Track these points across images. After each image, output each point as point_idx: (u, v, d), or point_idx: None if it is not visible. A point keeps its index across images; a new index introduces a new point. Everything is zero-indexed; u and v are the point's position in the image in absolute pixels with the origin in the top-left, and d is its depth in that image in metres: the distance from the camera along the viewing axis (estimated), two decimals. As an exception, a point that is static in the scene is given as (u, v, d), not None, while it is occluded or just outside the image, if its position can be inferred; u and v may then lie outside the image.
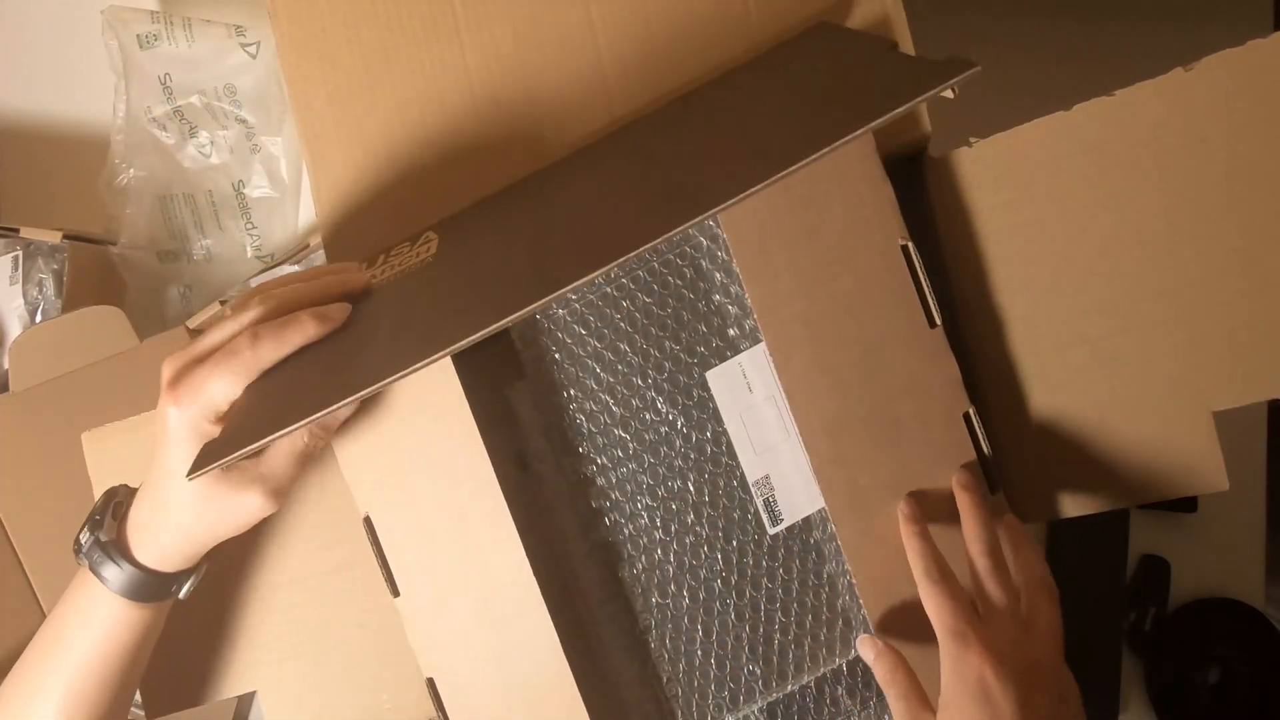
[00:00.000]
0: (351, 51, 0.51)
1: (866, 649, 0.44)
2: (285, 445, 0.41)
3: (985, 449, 0.44)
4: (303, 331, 0.40)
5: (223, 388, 0.40)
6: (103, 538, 0.42)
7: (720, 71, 0.48)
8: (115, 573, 0.42)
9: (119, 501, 0.44)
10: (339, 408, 0.36)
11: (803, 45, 0.46)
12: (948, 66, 0.35)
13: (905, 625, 0.44)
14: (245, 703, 0.81)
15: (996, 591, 0.41)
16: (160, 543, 0.42)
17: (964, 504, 0.43)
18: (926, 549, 0.42)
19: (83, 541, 0.43)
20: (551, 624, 0.43)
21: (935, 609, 0.40)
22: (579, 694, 0.43)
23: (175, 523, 0.42)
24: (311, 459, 0.43)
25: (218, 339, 0.41)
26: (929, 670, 0.42)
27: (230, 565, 0.50)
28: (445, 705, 0.45)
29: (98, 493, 0.51)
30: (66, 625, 0.44)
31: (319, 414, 0.36)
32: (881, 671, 0.42)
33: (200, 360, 0.41)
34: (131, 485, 0.45)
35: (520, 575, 0.43)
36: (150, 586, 0.42)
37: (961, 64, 0.35)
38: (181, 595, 0.44)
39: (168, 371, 0.41)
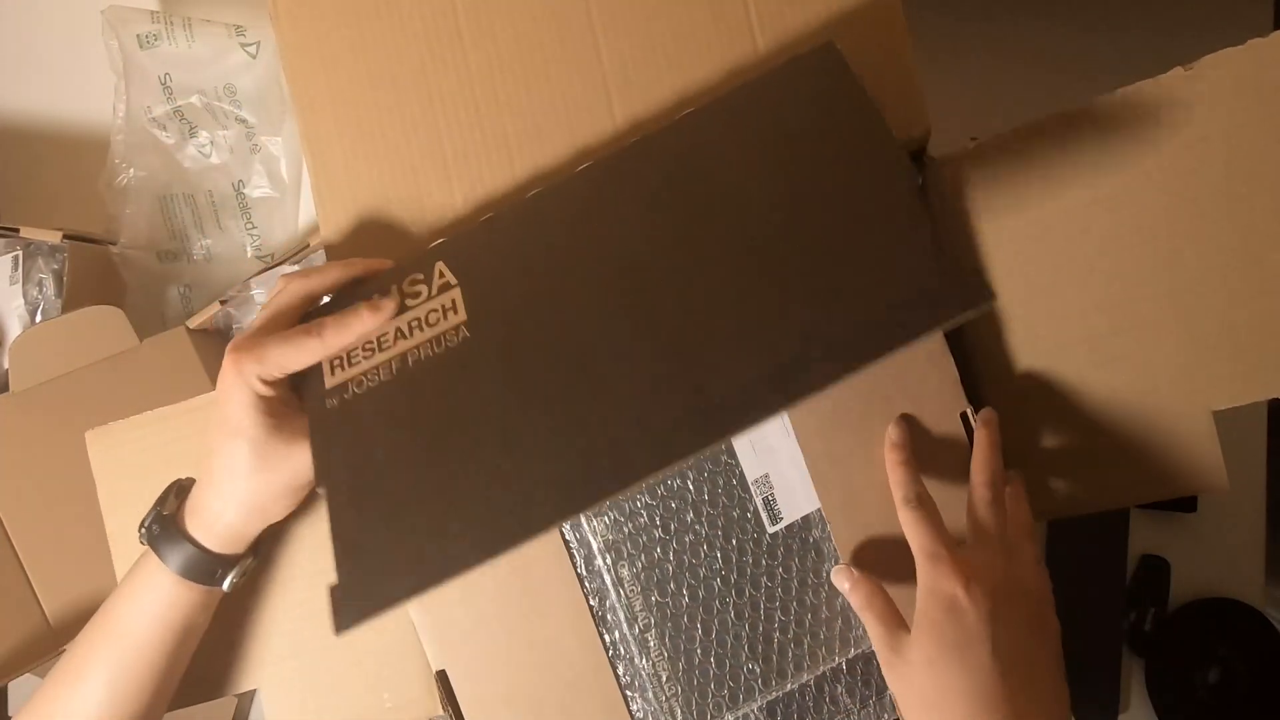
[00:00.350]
0: (353, 52, 0.51)
1: (841, 578, 0.44)
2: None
3: (985, 448, 0.44)
4: (361, 323, 0.44)
5: (283, 356, 0.43)
6: (164, 512, 0.45)
7: (721, 72, 0.48)
8: (170, 549, 0.44)
9: (184, 486, 0.47)
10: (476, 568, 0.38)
11: (807, 112, 0.43)
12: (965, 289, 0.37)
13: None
14: (245, 701, 0.81)
15: (987, 517, 0.42)
16: (215, 519, 0.44)
17: (982, 437, 0.43)
18: (910, 476, 0.43)
19: (148, 524, 0.45)
20: (589, 616, 0.45)
21: (913, 532, 0.41)
22: (616, 686, 0.45)
23: (230, 489, 0.44)
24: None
25: (264, 320, 0.45)
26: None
27: None
28: (458, 697, 0.45)
29: (102, 492, 0.52)
30: (121, 602, 0.46)
31: (454, 575, 0.38)
32: (858, 599, 0.43)
33: (265, 330, 0.44)
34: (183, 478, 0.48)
35: (552, 572, 0.45)
36: (201, 565, 0.44)
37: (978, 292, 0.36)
38: (225, 587, 0.46)
39: (228, 350, 0.44)
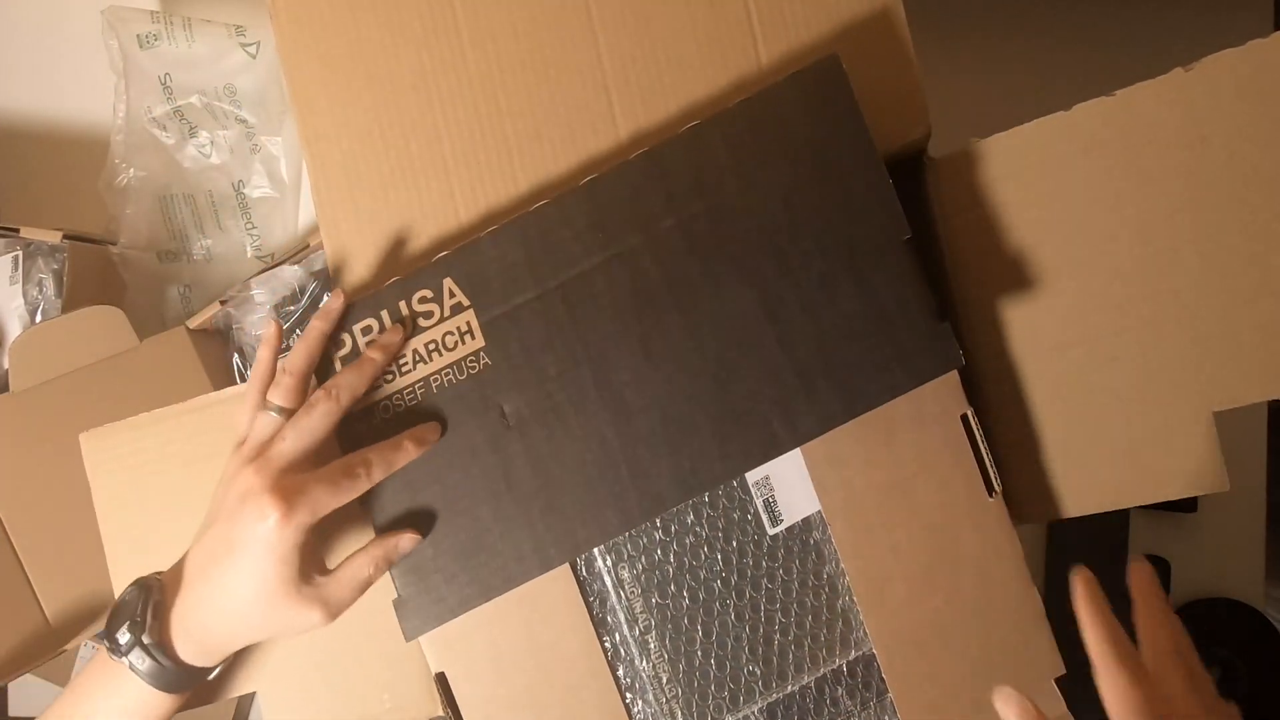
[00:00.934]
0: (352, 52, 0.51)
1: (1010, 705, 0.39)
2: (352, 573, 0.43)
3: (984, 451, 0.44)
4: (406, 455, 0.44)
5: (333, 501, 0.42)
6: (146, 640, 0.42)
7: (721, 72, 0.48)
8: (156, 670, 0.42)
9: (157, 601, 0.43)
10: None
11: (806, 139, 0.44)
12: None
13: (900, 627, 0.44)
14: (245, 702, 0.81)
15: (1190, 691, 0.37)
16: (208, 644, 0.44)
17: (1146, 591, 0.40)
18: (1110, 627, 0.38)
19: (121, 642, 0.42)
20: (589, 618, 0.45)
21: (1118, 690, 0.37)
22: (616, 688, 0.45)
23: (231, 629, 0.43)
24: (370, 586, 0.44)
25: (300, 444, 0.42)
26: (938, 679, 0.42)
27: None
28: (458, 700, 0.46)
29: (97, 494, 0.51)
30: (82, 707, 0.44)
31: (504, 590, 0.44)
32: None
33: (293, 466, 0.42)
34: (157, 572, 0.45)
35: (552, 573, 0.45)
36: (181, 678, 0.43)
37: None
38: (211, 676, 0.46)
39: (263, 475, 0.41)
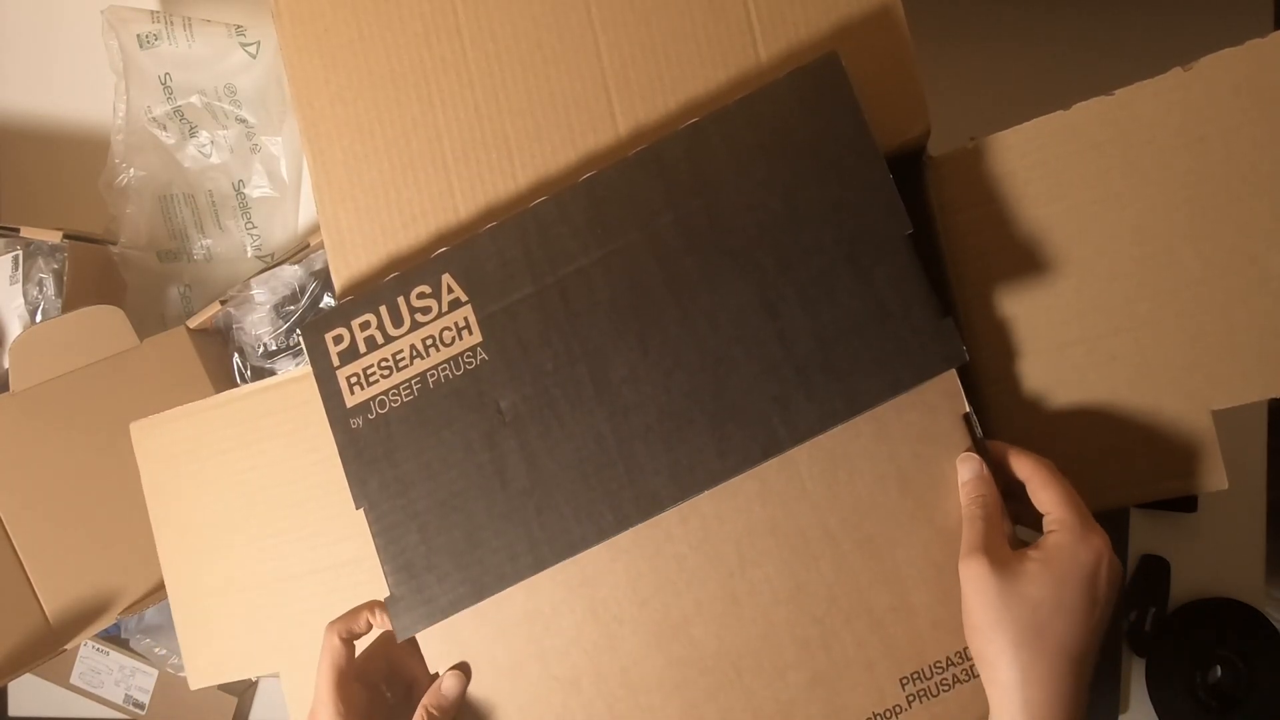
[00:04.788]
0: (354, 51, 0.51)
1: (965, 467, 0.43)
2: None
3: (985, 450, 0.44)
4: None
5: None
6: None
7: (720, 71, 0.48)
8: None
9: None
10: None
11: (806, 136, 0.44)
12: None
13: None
14: (246, 702, 0.81)
15: (1084, 509, 0.41)
16: None
17: (1038, 466, 0.43)
18: (1034, 458, 0.42)
19: None
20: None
21: (1065, 492, 0.40)
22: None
23: None
24: None
25: None
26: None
27: (248, 560, 0.52)
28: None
29: (147, 483, 0.55)
30: None
31: (498, 589, 0.44)
32: (975, 492, 0.42)
33: None
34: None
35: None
36: None
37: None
38: None
39: None
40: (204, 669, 0.55)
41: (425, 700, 0.44)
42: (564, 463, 0.44)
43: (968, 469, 0.43)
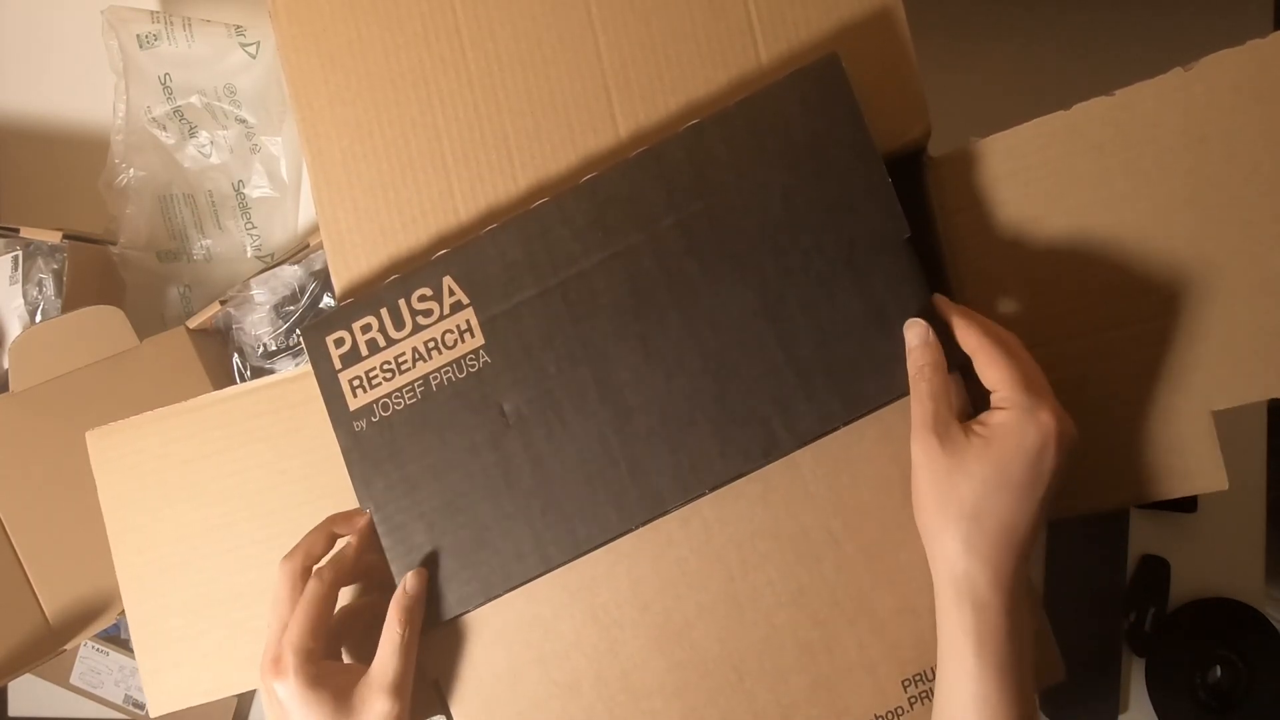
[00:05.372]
0: (352, 51, 0.51)
1: (913, 333, 0.42)
2: (388, 642, 0.43)
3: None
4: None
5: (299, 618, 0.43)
6: None
7: (721, 71, 0.48)
8: None
9: None
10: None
11: (806, 139, 0.44)
12: None
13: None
14: (246, 701, 0.81)
15: (1041, 376, 0.41)
16: None
17: (963, 317, 0.42)
18: (987, 325, 0.42)
19: None
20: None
21: (1011, 362, 0.40)
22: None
23: None
24: (414, 649, 0.44)
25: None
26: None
27: (224, 572, 0.51)
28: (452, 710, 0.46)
29: (103, 492, 0.52)
30: None
31: (505, 590, 0.45)
32: (923, 359, 0.42)
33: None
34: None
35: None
36: None
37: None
38: None
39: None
40: (168, 694, 0.51)
41: (393, 606, 0.43)
42: (568, 464, 0.44)
43: (914, 335, 0.43)
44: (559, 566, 0.44)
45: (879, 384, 0.43)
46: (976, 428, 0.40)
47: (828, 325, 0.43)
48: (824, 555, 0.44)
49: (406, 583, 0.44)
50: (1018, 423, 0.39)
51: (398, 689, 0.42)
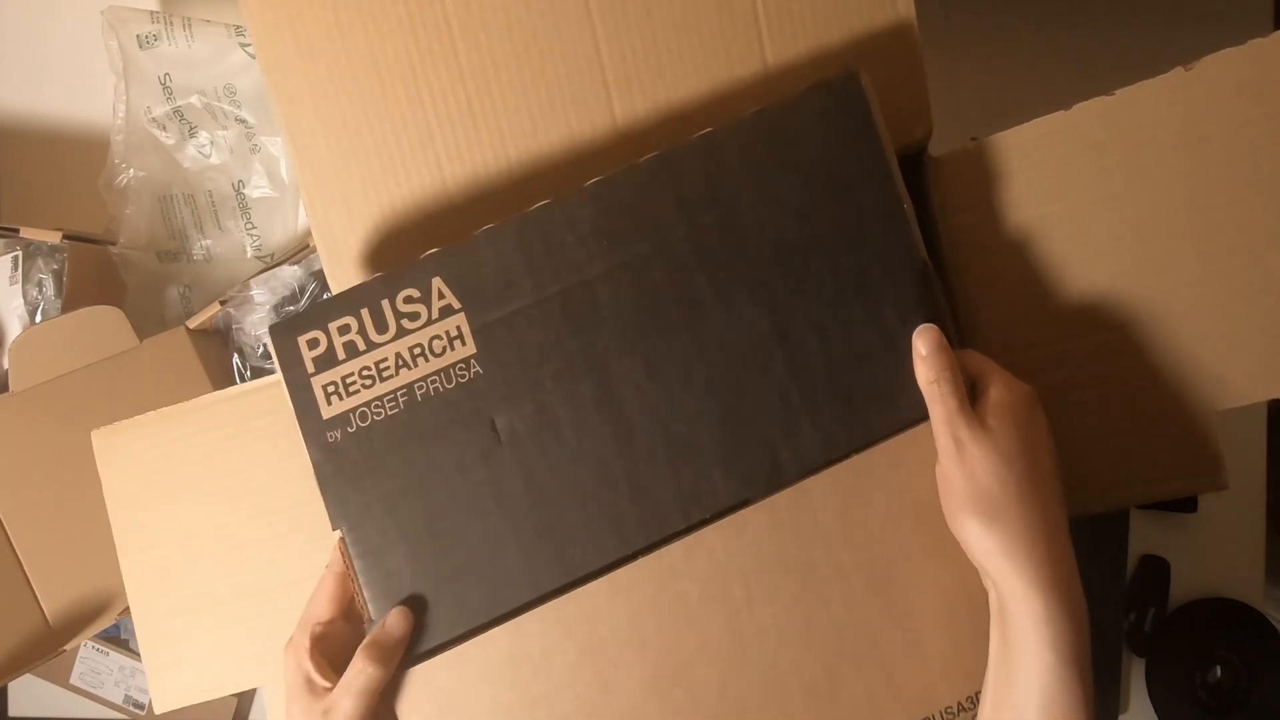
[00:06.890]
0: (331, 40, 0.48)
1: (921, 341, 0.42)
2: (354, 684, 0.40)
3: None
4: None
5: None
6: None
7: (725, 66, 0.48)
8: None
9: None
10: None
11: (823, 160, 0.43)
12: None
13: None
14: (245, 701, 0.81)
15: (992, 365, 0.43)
16: None
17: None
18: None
19: None
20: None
21: (980, 359, 0.43)
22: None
23: None
24: (383, 696, 0.41)
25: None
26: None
27: (230, 571, 0.51)
28: None
29: (108, 491, 0.52)
30: None
31: (493, 620, 0.42)
32: (935, 367, 0.41)
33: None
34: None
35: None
36: None
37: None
38: None
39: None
40: (173, 691, 0.51)
41: (368, 644, 0.40)
42: (564, 484, 0.42)
43: (928, 341, 0.42)
44: (550, 593, 0.41)
45: (888, 414, 0.42)
46: (984, 414, 0.41)
47: (838, 351, 0.42)
48: (832, 591, 0.42)
49: (388, 621, 0.41)
50: (1005, 395, 0.41)
51: None
